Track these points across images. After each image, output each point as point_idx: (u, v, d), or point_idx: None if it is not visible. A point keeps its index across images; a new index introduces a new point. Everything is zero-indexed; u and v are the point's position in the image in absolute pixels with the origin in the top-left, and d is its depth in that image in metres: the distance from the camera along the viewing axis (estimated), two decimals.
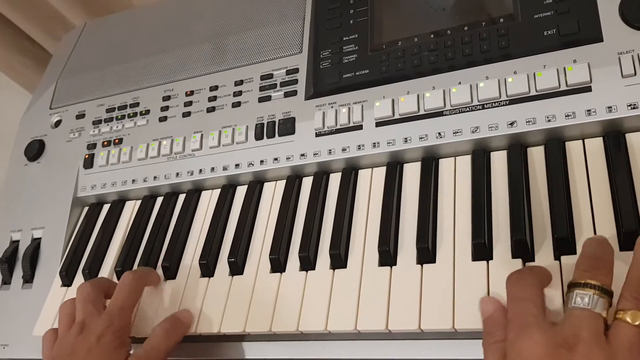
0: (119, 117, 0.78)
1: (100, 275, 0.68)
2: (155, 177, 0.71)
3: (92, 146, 0.77)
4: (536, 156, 0.55)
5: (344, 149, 0.62)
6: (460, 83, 0.59)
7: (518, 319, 0.42)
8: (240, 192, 0.67)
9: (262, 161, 0.66)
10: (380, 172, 0.61)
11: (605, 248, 0.44)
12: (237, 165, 0.67)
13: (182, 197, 0.71)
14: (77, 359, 0.54)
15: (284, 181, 0.65)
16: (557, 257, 0.48)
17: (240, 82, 0.71)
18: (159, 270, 0.64)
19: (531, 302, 0.42)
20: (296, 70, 0.68)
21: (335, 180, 0.63)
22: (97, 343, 0.54)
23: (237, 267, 0.61)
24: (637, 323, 0.39)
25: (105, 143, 0.76)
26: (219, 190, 0.68)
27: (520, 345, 0.40)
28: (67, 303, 0.60)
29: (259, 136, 0.67)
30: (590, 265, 0.43)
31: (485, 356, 0.44)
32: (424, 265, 0.53)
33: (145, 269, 0.64)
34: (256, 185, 0.66)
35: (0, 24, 1.25)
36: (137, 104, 0.77)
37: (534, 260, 0.49)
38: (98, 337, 0.54)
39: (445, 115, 0.58)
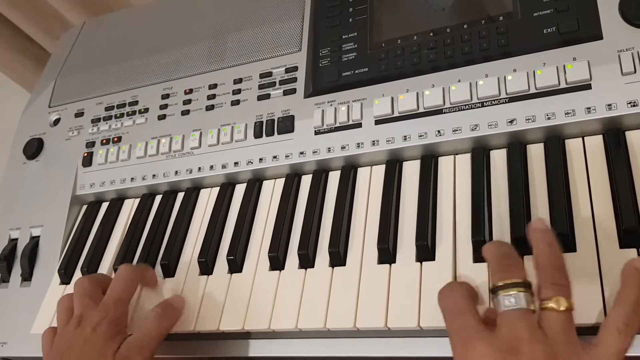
0: (118, 115, 0.78)
1: (98, 273, 0.68)
2: (154, 176, 0.71)
3: (90, 144, 0.77)
4: (536, 154, 0.55)
5: (343, 147, 0.62)
6: (459, 81, 0.59)
7: (459, 335, 0.42)
8: (239, 190, 0.67)
9: (261, 159, 0.66)
10: (380, 170, 0.61)
11: (504, 245, 0.46)
12: (236, 164, 0.67)
13: (180, 195, 0.71)
14: (75, 351, 0.54)
15: (283, 179, 0.65)
16: None
17: (240, 81, 0.71)
18: (158, 268, 0.64)
19: (467, 314, 0.43)
20: (295, 69, 0.68)
21: (334, 178, 0.63)
22: (93, 333, 0.54)
23: (235, 265, 0.60)
24: (562, 308, 0.40)
25: (104, 141, 0.76)
26: (218, 188, 0.68)
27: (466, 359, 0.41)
28: (65, 298, 0.60)
29: (258, 134, 0.67)
30: (501, 265, 0.44)
31: None
32: (423, 262, 0.53)
33: (143, 265, 0.64)
34: (255, 183, 0.66)
35: None
36: (136, 102, 0.77)
37: None
38: (94, 327, 0.55)
39: (444, 113, 0.58)
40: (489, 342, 0.40)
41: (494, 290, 0.43)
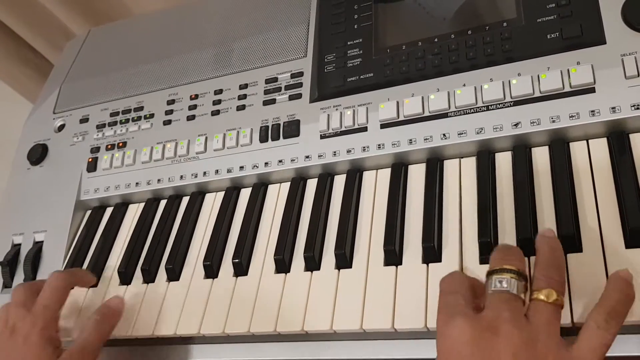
0: (123, 121, 0.78)
1: (102, 277, 0.68)
2: (159, 180, 0.71)
3: (95, 150, 0.77)
4: (541, 156, 0.56)
5: (348, 151, 0.62)
6: (464, 85, 0.59)
7: (445, 309, 0.44)
8: (245, 194, 0.67)
9: (266, 163, 0.66)
10: (385, 174, 0.61)
11: (510, 245, 0.48)
12: (241, 168, 0.67)
13: (185, 199, 0.71)
14: None
15: (289, 183, 0.65)
16: None
17: (245, 86, 0.72)
18: (163, 272, 0.64)
19: (459, 294, 0.44)
20: (301, 74, 0.69)
21: (340, 181, 0.63)
22: (24, 344, 0.56)
23: (241, 268, 0.60)
24: (551, 300, 0.41)
25: (109, 146, 0.77)
26: (223, 192, 0.68)
27: (447, 332, 0.42)
28: (4, 307, 0.61)
29: (263, 138, 0.67)
30: (503, 253, 0.45)
31: None
32: (430, 264, 0.53)
33: (75, 269, 0.66)
34: (260, 188, 0.66)
35: (2, 34, 1.26)
36: (141, 108, 0.78)
37: None
38: (24, 337, 0.56)
39: (449, 116, 0.59)
40: (472, 318, 0.41)
41: (488, 274, 0.44)
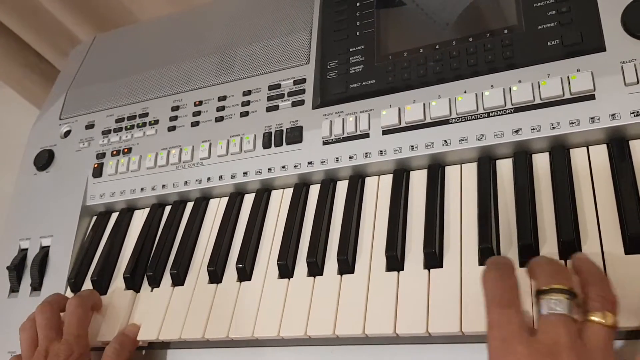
0: (128, 127, 0.79)
1: (111, 283, 0.69)
2: (163, 186, 0.72)
3: (101, 155, 0.78)
4: (541, 163, 0.56)
5: (351, 157, 0.63)
6: (465, 92, 0.60)
7: (500, 329, 0.42)
8: (248, 200, 0.68)
9: (269, 169, 0.67)
10: (387, 180, 0.62)
11: (553, 259, 0.46)
12: (245, 174, 0.68)
13: (190, 205, 0.71)
14: None
15: (292, 189, 0.66)
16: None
17: (249, 92, 0.72)
18: (168, 277, 0.65)
19: (513, 309, 0.43)
20: (303, 81, 0.69)
21: (342, 187, 0.63)
22: None
23: (245, 273, 0.61)
24: (609, 323, 0.40)
25: (115, 152, 0.77)
26: (227, 198, 0.69)
27: (503, 358, 0.41)
28: (27, 326, 0.63)
29: (266, 145, 0.68)
30: (551, 270, 0.44)
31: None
32: (431, 270, 0.53)
33: (86, 292, 0.66)
34: (264, 193, 0.67)
35: (8, 39, 1.27)
36: (146, 114, 0.78)
37: None
38: None
39: (451, 123, 0.59)
40: (529, 343, 0.40)
41: (538, 293, 0.43)
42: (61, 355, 0.58)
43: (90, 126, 0.82)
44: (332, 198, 0.64)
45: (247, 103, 0.72)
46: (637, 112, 0.52)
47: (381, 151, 0.62)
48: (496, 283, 0.44)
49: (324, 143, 0.65)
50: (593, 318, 0.41)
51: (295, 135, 0.66)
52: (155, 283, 0.66)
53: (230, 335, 0.58)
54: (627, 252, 0.48)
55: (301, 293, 0.57)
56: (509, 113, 0.57)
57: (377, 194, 0.61)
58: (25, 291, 0.73)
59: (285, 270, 0.59)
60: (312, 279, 0.58)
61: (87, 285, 0.69)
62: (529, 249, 0.50)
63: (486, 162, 0.57)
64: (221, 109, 0.73)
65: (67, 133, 0.84)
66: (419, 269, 0.54)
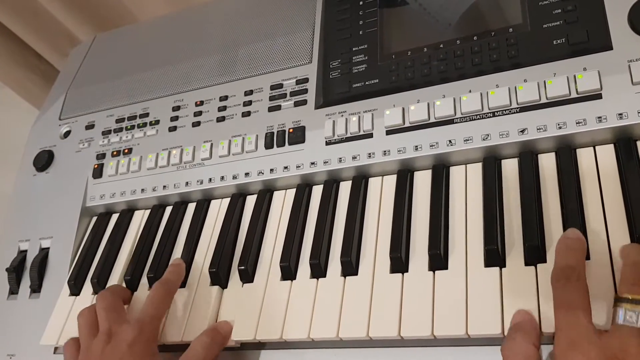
0: (129, 127, 0.78)
1: (109, 284, 0.68)
2: (164, 187, 0.71)
3: (101, 156, 0.78)
4: (547, 163, 0.55)
5: (354, 157, 0.62)
6: (470, 91, 0.59)
7: (568, 331, 0.42)
8: (250, 201, 0.67)
9: (272, 170, 0.66)
10: (391, 180, 0.61)
11: None
12: (247, 174, 0.67)
13: (191, 206, 0.71)
14: None
15: (294, 190, 0.65)
16: None
17: (250, 92, 0.72)
18: None
19: (581, 310, 0.42)
20: (306, 80, 0.69)
21: (345, 188, 0.63)
22: (129, 351, 0.52)
23: (247, 275, 0.60)
24: None
25: (115, 153, 0.77)
26: (229, 199, 0.68)
27: (571, 357, 0.40)
28: (85, 311, 0.59)
29: (269, 145, 0.67)
30: (636, 276, 0.43)
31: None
32: (436, 271, 0.53)
33: (171, 280, 0.61)
34: (266, 194, 0.66)
35: (7, 40, 1.27)
36: (146, 114, 0.78)
37: None
38: (129, 345, 0.53)
39: (455, 123, 0.59)
40: (597, 346, 0.40)
41: (619, 300, 0.42)
42: (129, 334, 0.53)
43: (90, 126, 0.81)
44: (335, 199, 0.63)
45: (249, 103, 0.71)
46: None
47: (385, 151, 0.61)
48: (564, 285, 0.44)
49: (327, 143, 0.64)
50: None
51: (297, 135, 0.66)
52: None
53: (233, 337, 0.57)
54: None
55: (304, 295, 0.56)
56: (514, 113, 0.56)
57: (381, 194, 0.61)
58: (25, 293, 0.73)
59: (288, 272, 0.59)
60: (315, 281, 0.57)
61: (88, 286, 0.69)
62: (535, 250, 0.49)
63: (491, 163, 0.57)
64: (223, 109, 0.72)
65: (67, 133, 0.83)
66: (423, 271, 0.53)
